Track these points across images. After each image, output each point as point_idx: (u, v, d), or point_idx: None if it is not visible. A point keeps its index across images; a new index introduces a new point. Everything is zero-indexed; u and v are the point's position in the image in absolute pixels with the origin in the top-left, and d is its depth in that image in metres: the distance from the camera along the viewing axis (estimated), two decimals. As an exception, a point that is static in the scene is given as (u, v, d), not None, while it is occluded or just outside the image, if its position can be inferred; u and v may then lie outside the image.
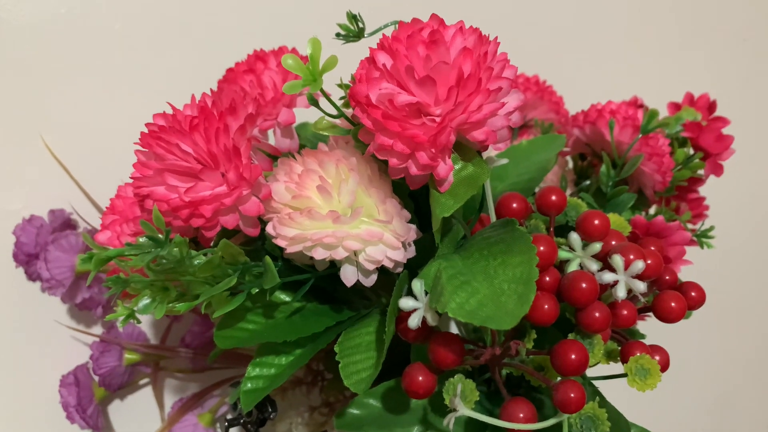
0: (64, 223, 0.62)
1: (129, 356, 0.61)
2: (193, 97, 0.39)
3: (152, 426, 0.64)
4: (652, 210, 0.58)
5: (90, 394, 0.60)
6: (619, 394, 0.45)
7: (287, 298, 0.43)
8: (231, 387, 0.61)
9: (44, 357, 0.63)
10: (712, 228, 0.55)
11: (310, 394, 0.62)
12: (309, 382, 0.62)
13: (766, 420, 0.95)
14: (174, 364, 0.65)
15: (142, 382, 0.66)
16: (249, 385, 0.41)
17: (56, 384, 0.60)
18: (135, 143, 0.37)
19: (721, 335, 0.92)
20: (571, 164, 0.62)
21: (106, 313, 0.62)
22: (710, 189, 0.61)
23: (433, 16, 0.35)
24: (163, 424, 0.64)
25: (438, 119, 0.34)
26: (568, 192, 0.58)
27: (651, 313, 0.43)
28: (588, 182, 0.58)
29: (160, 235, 0.32)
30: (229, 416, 0.49)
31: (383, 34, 0.36)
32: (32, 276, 0.60)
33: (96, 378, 0.60)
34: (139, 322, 0.40)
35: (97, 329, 0.65)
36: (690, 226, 0.59)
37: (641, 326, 0.55)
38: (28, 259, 0.59)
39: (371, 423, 0.42)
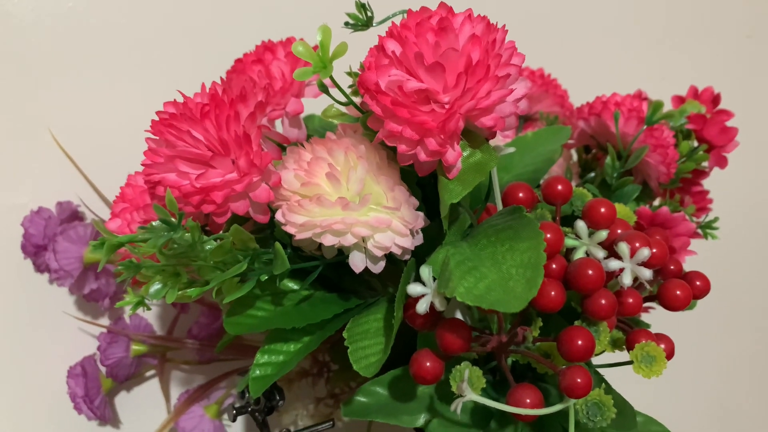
0: (72, 215, 0.62)
1: (136, 347, 0.62)
2: (203, 85, 0.39)
3: (158, 417, 0.65)
4: (656, 202, 0.58)
5: (97, 385, 0.61)
6: (627, 385, 0.46)
7: (295, 287, 0.44)
8: (239, 376, 0.61)
9: (52, 348, 0.64)
10: (716, 219, 0.55)
11: (316, 385, 0.62)
12: (315, 373, 0.62)
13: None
14: (181, 356, 0.65)
15: (148, 373, 0.67)
16: (258, 372, 0.42)
17: (64, 375, 0.60)
18: (146, 131, 0.38)
19: (728, 328, 0.92)
20: (575, 157, 0.62)
21: (113, 304, 0.62)
22: (714, 183, 0.61)
23: (442, 4, 0.36)
24: (169, 415, 0.64)
25: (447, 106, 0.34)
26: (573, 184, 0.59)
27: (656, 303, 0.44)
28: (593, 174, 0.59)
29: (173, 219, 0.32)
30: (237, 404, 0.49)
31: (392, 23, 0.36)
32: (40, 267, 0.61)
33: (103, 369, 0.61)
34: (148, 308, 0.40)
35: (105, 321, 0.65)
36: (694, 219, 0.60)
37: (646, 318, 0.55)
38: (36, 250, 0.60)
39: (378, 411, 0.43)
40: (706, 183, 0.60)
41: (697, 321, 0.81)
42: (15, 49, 0.63)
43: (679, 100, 0.60)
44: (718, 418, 0.93)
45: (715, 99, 0.59)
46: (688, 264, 0.48)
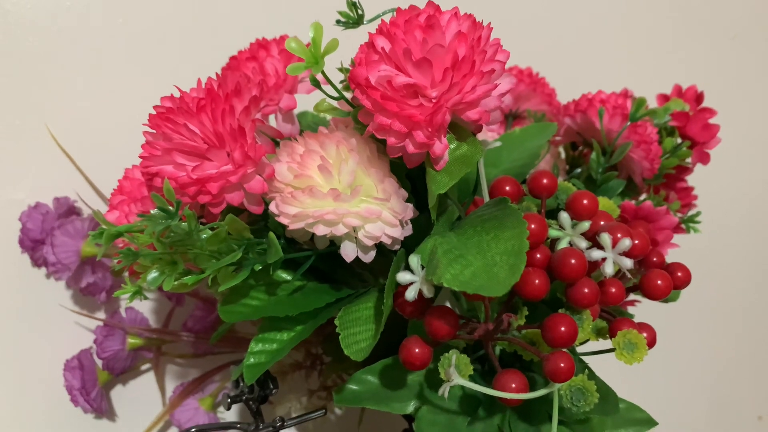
0: (69, 210, 0.63)
1: (132, 341, 0.63)
2: (199, 80, 0.40)
3: (154, 410, 0.66)
4: (642, 198, 0.60)
5: (94, 378, 0.62)
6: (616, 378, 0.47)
7: (288, 277, 0.45)
8: (233, 365, 0.62)
9: (49, 341, 0.65)
10: (698, 213, 0.57)
11: (309, 378, 0.64)
12: (308, 366, 0.64)
13: (756, 401, 0.97)
14: (176, 349, 0.66)
15: (144, 367, 0.68)
16: (252, 359, 0.43)
17: (61, 367, 0.61)
18: (144, 124, 0.39)
19: (713, 319, 0.94)
20: (564, 154, 0.64)
21: (109, 298, 0.63)
22: (700, 181, 0.63)
23: (430, 3, 0.37)
24: (164, 408, 0.65)
25: (434, 100, 0.36)
26: (561, 180, 0.60)
27: (639, 293, 0.45)
28: (579, 170, 0.60)
29: (170, 207, 0.34)
30: (231, 393, 0.50)
31: (382, 20, 0.38)
32: (38, 261, 0.62)
33: (99, 362, 0.62)
34: (145, 298, 0.42)
35: (101, 314, 0.66)
36: (679, 215, 0.61)
37: (633, 311, 0.57)
38: (33, 245, 0.60)
39: (369, 398, 0.44)
40: (693, 181, 0.61)
41: (681, 313, 0.83)
42: (13, 47, 0.64)
43: (664, 98, 0.61)
44: (703, 409, 0.94)
45: (699, 97, 0.60)
46: (678, 258, 0.49)
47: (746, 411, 0.97)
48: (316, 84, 0.39)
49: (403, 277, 0.37)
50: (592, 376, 0.44)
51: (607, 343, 0.43)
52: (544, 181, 0.45)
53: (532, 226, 0.39)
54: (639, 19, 0.91)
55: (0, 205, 0.63)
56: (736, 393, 0.96)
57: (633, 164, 0.55)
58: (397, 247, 0.41)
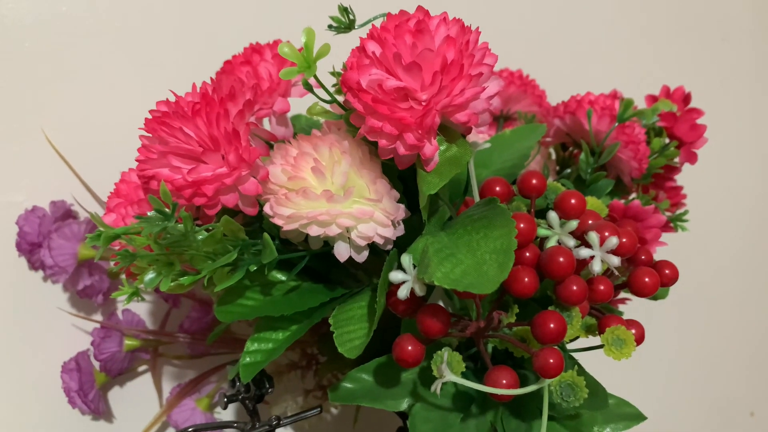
0: (66, 214, 0.64)
1: (129, 342, 0.63)
2: (194, 85, 0.41)
3: (151, 411, 0.66)
4: (631, 198, 0.61)
5: (91, 380, 0.62)
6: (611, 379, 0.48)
7: (283, 277, 0.46)
8: (229, 365, 0.63)
9: (46, 344, 0.65)
10: (686, 212, 0.58)
11: (305, 377, 0.64)
12: (304, 366, 0.64)
13: (749, 397, 0.98)
14: (172, 351, 0.67)
15: (141, 368, 0.68)
16: (248, 359, 0.44)
17: (58, 369, 0.61)
18: (140, 128, 0.40)
19: (707, 320, 0.95)
20: (554, 155, 0.65)
21: (106, 300, 0.64)
22: (690, 180, 0.64)
23: (419, 8, 0.38)
24: (161, 409, 0.66)
25: (424, 103, 0.36)
26: (551, 180, 0.61)
27: (628, 291, 0.46)
28: (569, 171, 0.61)
29: (167, 209, 0.34)
30: (228, 393, 0.51)
31: (372, 25, 0.39)
32: (35, 264, 0.62)
33: (97, 364, 0.62)
34: (142, 299, 0.42)
35: (98, 317, 0.67)
36: (668, 214, 0.62)
37: (624, 309, 0.58)
38: (31, 248, 0.61)
39: (364, 396, 0.45)
40: (685, 181, 0.62)
41: (673, 310, 0.84)
42: (10, 52, 0.64)
43: (652, 99, 0.62)
44: (695, 405, 0.95)
45: (686, 98, 0.61)
46: (668, 256, 0.50)
47: (739, 407, 0.98)
48: (309, 88, 0.40)
49: (395, 276, 0.37)
50: (581, 372, 0.45)
51: (596, 340, 0.44)
52: (534, 181, 0.46)
53: (521, 225, 0.39)
54: (629, 22, 0.92)
55: (-2, 207, 0.64)
56: (729, 389, 0.97)
57: (621, 164, 0.56)
58: (389, 247, 0.42)
